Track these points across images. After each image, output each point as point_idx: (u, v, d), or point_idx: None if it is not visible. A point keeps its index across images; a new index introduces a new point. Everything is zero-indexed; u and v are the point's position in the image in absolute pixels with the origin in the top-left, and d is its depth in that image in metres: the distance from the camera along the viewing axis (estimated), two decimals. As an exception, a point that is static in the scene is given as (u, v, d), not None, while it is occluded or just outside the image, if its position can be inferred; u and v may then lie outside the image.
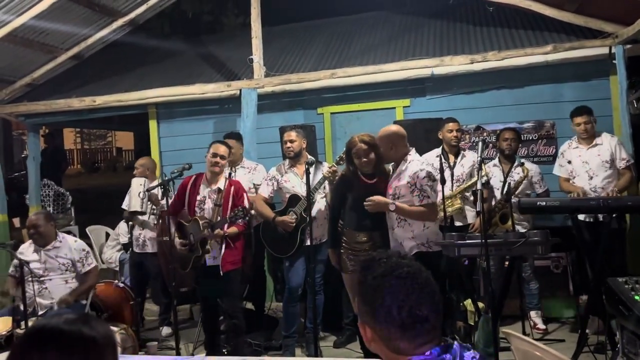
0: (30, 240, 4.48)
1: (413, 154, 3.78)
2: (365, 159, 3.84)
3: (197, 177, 4.38)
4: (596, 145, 4.64)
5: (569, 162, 4.74)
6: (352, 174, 3.97)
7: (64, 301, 4.24)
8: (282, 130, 4.89)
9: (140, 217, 5.09)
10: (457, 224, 4.70)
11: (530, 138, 5.52)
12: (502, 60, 5.34)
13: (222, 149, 4.30)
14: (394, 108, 5.90)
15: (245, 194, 4.36)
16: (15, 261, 4.16)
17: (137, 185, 4.67)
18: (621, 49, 5.02)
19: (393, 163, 3.88)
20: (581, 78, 5.43)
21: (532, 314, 4.79)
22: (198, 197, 4.32)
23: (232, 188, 4.29)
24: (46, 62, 6.81)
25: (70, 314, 1.22)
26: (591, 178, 4.60)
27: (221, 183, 4.31)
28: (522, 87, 5.57)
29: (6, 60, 6.46)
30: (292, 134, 4.56)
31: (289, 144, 4.54)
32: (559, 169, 4.83)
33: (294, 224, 4.38)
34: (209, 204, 4.28)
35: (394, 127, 3.89)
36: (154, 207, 5.15)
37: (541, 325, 4.73)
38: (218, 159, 4.25)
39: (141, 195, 4.57)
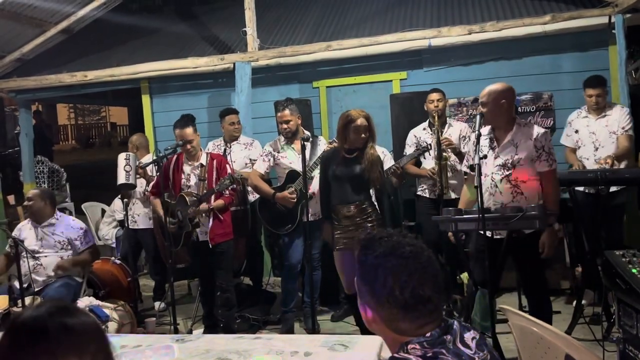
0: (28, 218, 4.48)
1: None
2: (363, 135, 3.80)
3: (178, 157, 4.38)
4: (605, 116, 4.48)
5: (576, 131, 4.59)
6: (335, 149, 3.96)
7: (61, 267, 4.27)
8: (277, 105, 4.80)
9: (130, 190, 5.07)
10: (447, 197, 4.63)
11: (528, 110, 5.46)
12: (500, 31, 5.25)
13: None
14: (391, 81, 5.82)
15: (228, 165, 4.39)
16: (10, 239, 4.15)
17: (121, 159, 4.71)
18: (621, 18, 4.93)
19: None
20: (580, 48, 5.34)
21: (529, 286, 4.79)
22: (182, 176, 4.32)
23: (214, 162, 4.31)
24: (35, 37, 6.66)
25: (52, 306, 1.18)
26: (597, 149, 4.46)
27: (202, 158, 4.33)
28: (520, 59, 5.49)
29: (-6, 35, 6.34)
30: (287, 114, 4.38)
31: (284, 125, 4.39)
32: (565, 139, 4.69)
33: (295, 200, 4.33)
34: (193, 180, 4.28)
35: (505, 85, 3.39)
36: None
37: (537, 297, 4.74)
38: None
39: (126, 168, 4.60)
